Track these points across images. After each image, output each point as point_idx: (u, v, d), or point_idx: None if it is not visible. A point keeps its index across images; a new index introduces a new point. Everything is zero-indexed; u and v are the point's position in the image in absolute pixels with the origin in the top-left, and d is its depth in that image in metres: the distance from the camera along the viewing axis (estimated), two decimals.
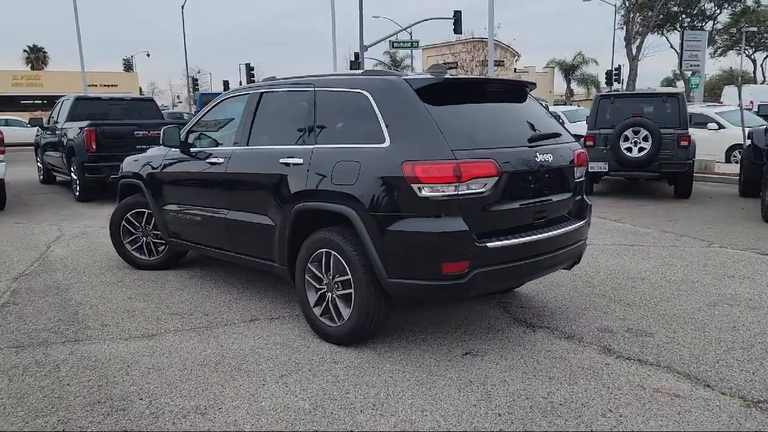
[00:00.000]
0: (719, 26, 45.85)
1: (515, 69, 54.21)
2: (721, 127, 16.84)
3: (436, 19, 31.47)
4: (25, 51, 59.99)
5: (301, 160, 4.00)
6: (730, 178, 12.31)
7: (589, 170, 10.20)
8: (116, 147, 9.63)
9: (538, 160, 3.73)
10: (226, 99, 5.00)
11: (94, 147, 9.88)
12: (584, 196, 4.35)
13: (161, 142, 5.16)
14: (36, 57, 59.97)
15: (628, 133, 9.97)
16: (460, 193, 3.39)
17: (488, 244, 3.47)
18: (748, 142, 10.33)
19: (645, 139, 9.88)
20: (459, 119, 3.65)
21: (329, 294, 3.91)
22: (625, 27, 29.11)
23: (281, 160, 4.13)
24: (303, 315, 4.14)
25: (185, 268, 5.88)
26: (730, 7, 43.95)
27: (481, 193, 3.45)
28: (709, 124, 16.55)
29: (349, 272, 3.70)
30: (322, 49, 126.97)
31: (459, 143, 3.45)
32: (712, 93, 44.98)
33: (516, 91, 4.21)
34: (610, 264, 5.87)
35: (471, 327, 4.19)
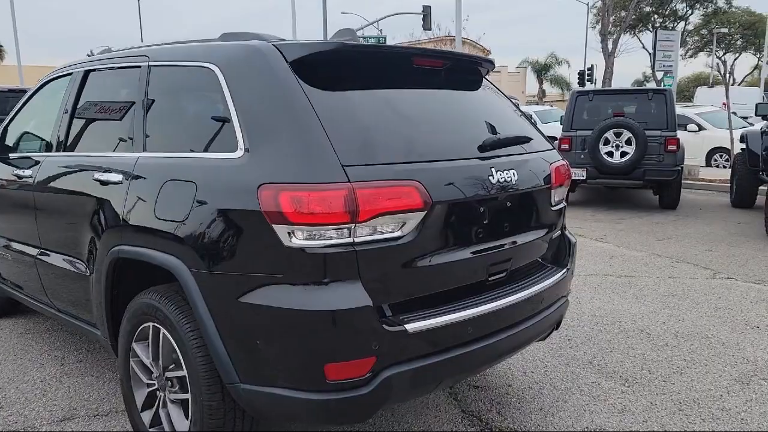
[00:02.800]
0: (690, 27, 45.50)
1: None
2: (701, 128, 15.84)
3: (404, 14, 30.14)
4: None
5: (120, 177, 2.51)
6: (716, 185, 11.15)
7: None
8: None
9: (494, 179, 2.31)
10: (50, 81, 3.45)
11: None
12: (565, 231, 2.95)
13: None
14: None
15: (609, 135, 8.67)
16: (357, 240, 1.96)
17: (409, 326, 2.03)
18: (741, 146, 9.13)
19: (628, 142, 8.59)
20: (363, 114, 2.20)
21: (161, 394, 2.42)
22: (600, 21, 28.14)
23: (95, 176, 2.63)
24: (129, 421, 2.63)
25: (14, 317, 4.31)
26: (701, 8, 43.59)
27: (396, 239, 2.02)
28: (689, 125, 15.50)
29: (183, 364, 2.23)
30: None
31: (358, 154, 2.02)
32: (682, 95, 44.56)
33: (463, 71, 2.77)
34: (596, 307, 4.49)
35: (399, 421, 2.75)
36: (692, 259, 5.98)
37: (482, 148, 2.36)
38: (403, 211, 2.02)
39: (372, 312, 1.96)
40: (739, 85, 48.88)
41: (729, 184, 10.19)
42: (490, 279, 2.38)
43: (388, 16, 33.56)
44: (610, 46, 27.10)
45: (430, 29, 30.37)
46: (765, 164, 8.18)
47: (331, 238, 1.93)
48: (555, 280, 2.66)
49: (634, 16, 37.83)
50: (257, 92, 2.15)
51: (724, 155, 15.27)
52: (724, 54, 53.37)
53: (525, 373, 3.37)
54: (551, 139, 9.87)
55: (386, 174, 2.01)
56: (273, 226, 1.93)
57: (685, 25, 44.48)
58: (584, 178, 8.90)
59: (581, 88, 11.32)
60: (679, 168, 8.69)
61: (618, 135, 8.61)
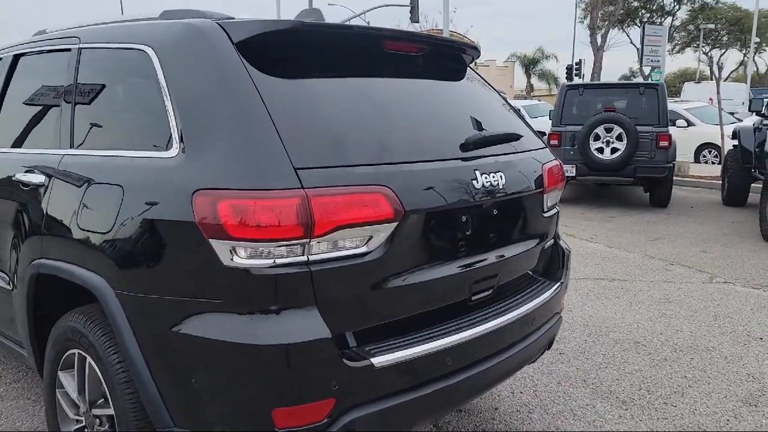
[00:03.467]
0: (677, 23, 45.51)
1: (476, 63, 52.92)
2: (690, 124, 15.63)
3: (392, 6, 29.67)
4: None
5: (42, 178, 2.14)
6: (707, 182, 10.93)
7: None
8: None
9: (478, 183, 1.98)
10: None
11: None
12: (559, 240, 2.63)
13: None
14: None
15: (599, 130, 8.38)
16: (313, 258, 1.62)
17: (376, 360, 1.70)
18: (734, 143, 8.90)
19: (619, 138, 8.31)
20: (323, 107, 1.86)
21: None
22: (589, 15, 27.87)
23: (17, 176, 2.26)
24: None
25: None
26: (689, 3, 43.61)
27: (361, 256, 1.69)
28: (677, 121, 15.28)
29: (110, 400, 1.88)
30: None
31: (315, 154, 1.68)
32: (668, 90, 44.54)
33: (444, 58, 2.42)
34: (588, 315, 4.20)
35: None
36: (687, 261, 5.71)
37: (465, 147, 2.03)
38: (370, 223, 1.68)
39: (331, 345, 1.63)
40: (725, 81, 48.99)
41: (719, 182, 9.98)
42: (473, 298, 2.06)
43: (375, 8, 33.01)
44: (599, 40, 26.88)
45: (417, 21, 29.95)
46: (758, 161, 7.94)
47: (280, 257, 1.59)
48: (547, 296, 2.34)
49: (622, 11, 37.71)
50: (196, 79, 1.80)
51: (713, 151, 15.10)
52: (711, 50, 53.52)
53: (513, 393, 3.06)
54: (540, 134, 9.65)
55: (349, 178, 1.67)
56: (210, 241, 1.59)
57: (672, 20, 44.49)
58: (574, 174, 8.60)
59: (571, 82, 11.03)
60: (671, 165, 8.43)
61: (608, 130, 8.33)
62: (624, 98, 9.02)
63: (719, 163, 13.15)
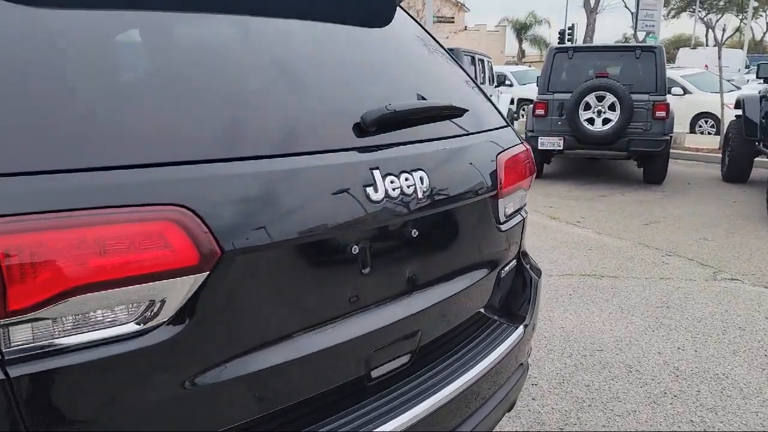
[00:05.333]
0: None
1: (466, 27, 51.35)
2: (686, 92, 14.78)
3: None
4: None
5: None
6: (704, 155, 10.19)
7: (540, 147, 7.80)
8: None
9: (377, 191, 1.18)
10: None
11: None
12: (524, 259, 1.84)
13: None
14: None
15: (590, 99, 7.56)
16: (12, 356, 0.82)
17: None
18: (736, 113, 8.11)
19: (611, 107, 7.50)
20: (43, 52, 0.99)
21: None
22: None
23: None
24: None
25: None
26: None
27: (130, 339, 0.90)
28: (673, 88, 14.41)
29: None
30: None
31: (18, 152, 0.85)
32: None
33: None
34: (570, 326, 3.45)
35: None
36: (686, 250, 4.97)
37: (361, 129, 1.22)
38: (148, 279, 0.89)
39: None
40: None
41: (718, 155, 9.24)
42: (374, 376, 1.28)
43: None
44: (592, 2, 25.73)
45: None
46: (764, 134, 7.17)
47: None
48: (505, 350, 1.57)
49: None
50: None
51: (710, 121, 14.33)
52: (707, 15, 52.29)
53: None
54: (527, 102, 8.78)
55: (97, 194, 0.87)
56: None
57: None
58: (561, 148, 7.81)
59: (560, 45, 10.12)
60: (668, 138, 7.65)
61: (600, 99, 7.51)
62: (618, 63, 8.16)
63: (717, 134, 12.42)
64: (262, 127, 1.11)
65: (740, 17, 48.09)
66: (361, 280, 1.21)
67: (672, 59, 34.20)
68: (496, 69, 16.97)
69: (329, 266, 1.17)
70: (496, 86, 11.46)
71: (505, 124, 1.74)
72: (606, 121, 7.52)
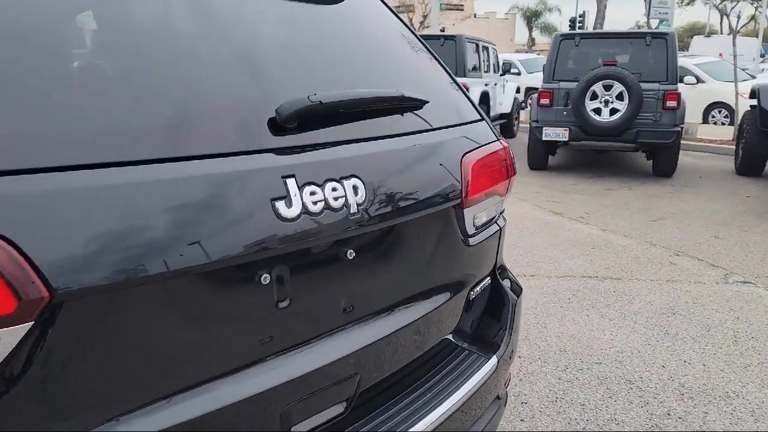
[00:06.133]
0: None
1: (475, 14, 50.73)
2: (699, 81, 14.35)
3: None
4: None
5: None
6: (717, 147, 9.82)
7: (544, 138, 7.50)
8: None
9: (291, 206, 0.92)
10: None
11: None
12: (501, 276, 1.58)
13: None
14: None
15: (597, 88, 7.24)
16: None
17: None
18: (751, 102, 7.74)
19: (619, 97, 7.18)
20: None
21: None
22: None
23: None
24: None
25: None
26: None
27: None
28: (685, 77, 13.99)
29: None
30: None
31: None
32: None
33: None
34: (567, 334, 3.19)
35: None
36: (695, 250, 4.68)
37: (276, 125, 0.96)
38: None
39: None
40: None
41: (732, 147, 8.89)
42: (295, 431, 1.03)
43: None
44: None
45: None
46: None
47: None
48: (476, 383, 1.32)
49: None
50: None
51: (723, 111, 13.91)
52: (722, 2, 51.25)
53: None
54: (536, 91, 8.44)
55: None
56: None
57: None
58: (566, 139, 7.50)
59: (566, 32, 9.76)
60: (679, 129, 7.31)
61: (608, 88, 7.18)
62: (627, 50, 7.80)
63: (731, 125, 12.02)
64: (127, 122, 0.84)
65: (755, 5, 47.12)
66: (277, 317, 0.96)
67: (685, 47, 33.57)
68: (504, 57, 16.59)
69: (227, 302, 0.91)
70: (501, 74, 11.10)
71: (479, 117, 1.47)
72: (614, 111, 7.20)
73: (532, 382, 2.70)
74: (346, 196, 0.98)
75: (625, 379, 2.75)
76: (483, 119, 1.49)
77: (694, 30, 50.06)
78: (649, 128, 7.18)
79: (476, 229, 1.36)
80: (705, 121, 13.90)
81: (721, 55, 21.76)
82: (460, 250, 1.32)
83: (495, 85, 10.31)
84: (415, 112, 1.22)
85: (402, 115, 1.19)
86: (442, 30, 19.46)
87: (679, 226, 5.39)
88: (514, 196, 6.45)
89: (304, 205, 0.92)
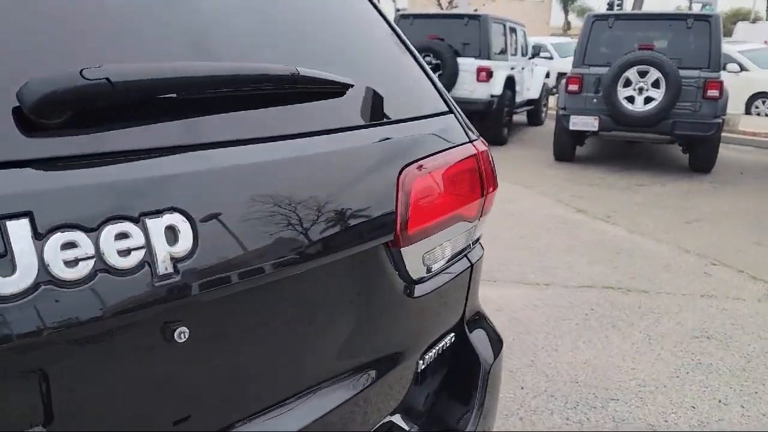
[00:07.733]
0: None
1: None
2: (743, 69, 13.47)
3: None
4: None
5: None
6: (761, 140, 9.12)
7: (572, 127, 6.96)
8: None
9: (14, 277, 0.50)
10: None
11: None
12: (471, 330, 1.14)
13: None
14: None
15: (631, 74, 6.65)
16: None
17: None
18: None
19: (655, 84, 6.58)
20: None
21: None
22: None
23: None
24: None
25: None
26: None
27: None
28: (728, 65, 13.12)
29: None
30: None
31: None
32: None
33: None
34: (581, 359, 2.74)
35: None
36: (734, 259, 4.15)
37: (24, 120, 0.55)
38: None
39: None
40: None
41: None
42: None
43: None
44: None
45: None
46: None
47: None
48: None
49: None
50: None
51: None
52: None
53: None
54: (562, 75, 7.85)
55: None
56: None
57: None
58: (596, 129, 6.95)
59: (600, 12, 9.10)
60: (720, 120, 6.69)
61: (642, 75, 6.59)
62: (666, 34, 7.16)
63: None
64: None
65: None
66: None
67: (729, 33, 32.04)
68: (536, 40, 15.82)
69: None
70: (530, 58, 10.47)
71: (447, 109, 1.04)
72: (648, 99, 6.61)
73: (534, 423, 2.28)
74: (149, 245, 0.57)
75: (646, 422, 2.31)
76: (452, 112, 1.06)
77: (738, 16, 47.85)
78: (687, 119, 6.58)
79: (428, 272, 0.94)
80: (748, 112, 13.07)
81: (766, 42, 20.60)
82: (398, 305, 0.90)
83: (522, 69, 9.72)
84: (328, 99, 0.80)
85: (302, 104, 0.77)
86: (475, 11, 18.72)
87: (716, 229, 4.85)
88: (533, 190, 5.96)
89: (46, 269, 0.52)
